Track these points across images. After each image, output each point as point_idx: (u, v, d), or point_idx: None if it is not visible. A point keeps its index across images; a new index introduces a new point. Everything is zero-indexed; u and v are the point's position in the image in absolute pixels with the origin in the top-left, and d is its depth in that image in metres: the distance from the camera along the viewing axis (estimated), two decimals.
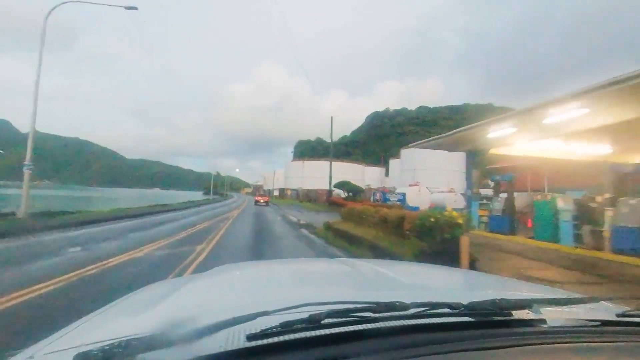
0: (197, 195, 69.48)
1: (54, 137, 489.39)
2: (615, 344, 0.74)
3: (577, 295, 0.98)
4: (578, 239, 8.35)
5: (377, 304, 0.73)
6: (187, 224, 14.73)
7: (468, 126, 9.02)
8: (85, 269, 5.66)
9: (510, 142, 9.36)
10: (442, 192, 27.07)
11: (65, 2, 12.81)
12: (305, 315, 0.66)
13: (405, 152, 48.44)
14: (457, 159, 45.51)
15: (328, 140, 39.73)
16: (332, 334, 0.67)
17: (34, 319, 3.64)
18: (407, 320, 0.73)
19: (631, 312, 0.88)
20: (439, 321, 0.75)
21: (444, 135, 10.17)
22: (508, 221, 10.87)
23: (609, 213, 7.86)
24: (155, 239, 9.63)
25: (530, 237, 9.77)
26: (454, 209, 7.35)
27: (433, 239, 6.30)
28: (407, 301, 0.74)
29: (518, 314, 0.79)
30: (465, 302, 0.77)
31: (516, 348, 0.69)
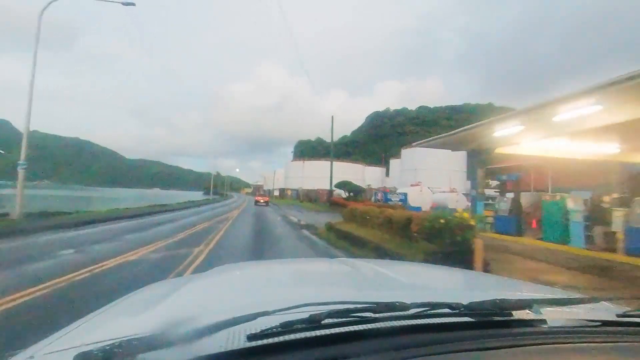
0: (197, 195, 69.32)
1: (54, 137, 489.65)
2: (615, 344, 0.74)
3: (577, 295, 0.99)
4: (589, 240, 8.08)
5: (377, 304, 0.73)
6: (186, 224, 14.49)
7: (474, 124, 8.77)
8: (74, 274, 5.36)
9: (517, 140, 9.10)
10: (444, 192, 26.88)
11: None
12: (305, 316, 0.66)
13: (405, 152, 48.31)
14: (458, 158, 45.56)
15: (328, 140, 39.51)
16: (332, 334, 0.67)
17: (9, 332, 3.34)
18: (407, 321, 0.73)
19: (631, 312, 0.87)
20: (439, 321, 0.74)
21: (448, 133, 9.90)
22: (515, 222, 10.60)
23: (621, 213, 7.60)
24: (151, 240, 9.35)
25: (538, 238, 9.50)
26: (456, 209, 7.09)
27: (443, 241, 6.02)
28: (407, 301, 0.74)
29: (518, 314, 0.79)
30: (465, 302, 0.77)
31: (516, 348, 0.68)
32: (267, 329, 0.64)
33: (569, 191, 11.47)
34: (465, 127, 9.06)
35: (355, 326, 0.68)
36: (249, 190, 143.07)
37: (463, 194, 25.71)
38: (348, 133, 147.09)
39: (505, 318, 0.78)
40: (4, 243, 8.15)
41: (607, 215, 8.11)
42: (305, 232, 13.91)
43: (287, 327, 0.65)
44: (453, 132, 9.65)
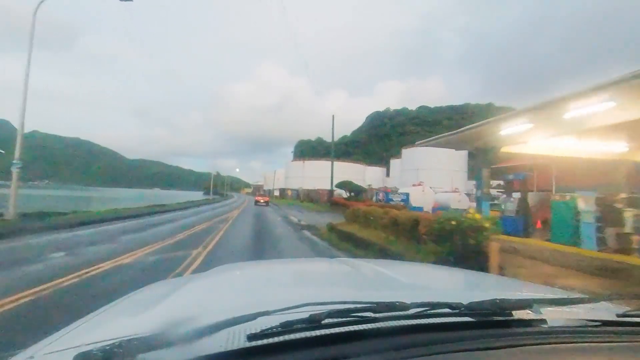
0: (197, 195, 69.15)
1: (55, 137, 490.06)
2: (615, 344, 0.74)
3: (577, 295, 0.99)
4: (601, 242, 7.81)
5: (378, 304, 0.73)
6: (185, 225, 14.24)
7: (480, 122, 8.51)
8: (62, 279, 5.04)
9: (525, 139, 8.83)
10: (446, 192, 26.63)
11: None
12: (305, 315, 0.66)
13: (406, 152, 48.16)
14: (458, 158, 45.42)
15: (328, 140, 39.21)
16: (332, 334, 0.66)
17: None
18: (407, 321, 0.73)
19: (632, 312, 0.87)
20: (439, 321, 0.74)
21: (452, 132, 9.64)
22: (522, 222, 10.31)
23: (634, 214, 7.33)
24: (148, 242, 9.07)
25: (546, 240, 9.22)
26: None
27: (453, 244, 5.73)
28: (408, 301, 0.74)
29: (518, 314, 0.79)
30: (465, 302, 0.77)
31: (516, 348, 0.68)
32: (267, 329, 0.63)
33: (573, 191, 11.20)
34: (471, 125, 8.80)
35: (355, 326, 0.68)
36: (249, 190, 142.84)
37: (465, 194, 25.50)
38: (348, 133, 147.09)
39: (506, 318, 0.78)
40: None
41: (620, 216, 7.84)
42: (307, 233, 13.64)
43: (287, 327, 0.64)
44: (458, 130, 9.38)
